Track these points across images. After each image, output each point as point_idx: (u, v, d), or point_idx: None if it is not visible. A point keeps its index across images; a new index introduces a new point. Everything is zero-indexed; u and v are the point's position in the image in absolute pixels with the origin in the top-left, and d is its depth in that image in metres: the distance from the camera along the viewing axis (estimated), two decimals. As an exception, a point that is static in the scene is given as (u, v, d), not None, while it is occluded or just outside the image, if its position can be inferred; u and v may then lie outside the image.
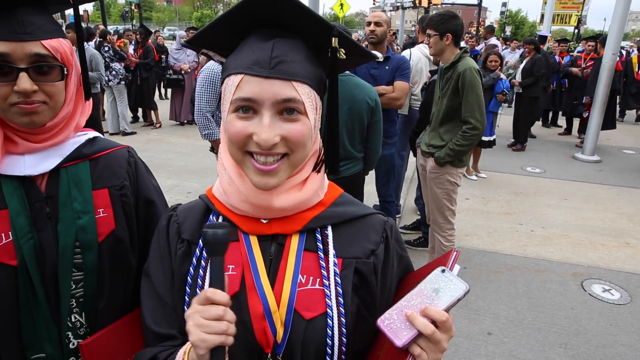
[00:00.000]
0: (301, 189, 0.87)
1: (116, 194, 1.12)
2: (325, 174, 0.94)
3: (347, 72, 2.83)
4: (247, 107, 0.78)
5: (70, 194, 1.06)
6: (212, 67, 3.28)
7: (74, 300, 1.07)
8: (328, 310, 0.83)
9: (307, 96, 0.80)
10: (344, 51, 0.83)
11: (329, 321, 0.82)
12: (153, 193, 1.24)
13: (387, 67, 3.69)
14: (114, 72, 7.85)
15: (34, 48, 0.94)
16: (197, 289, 0.85)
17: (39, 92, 0.95)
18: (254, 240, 0.87)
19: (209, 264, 0.81)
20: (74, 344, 1.08)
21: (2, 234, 1.00)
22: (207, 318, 0.71)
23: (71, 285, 1.05)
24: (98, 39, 8.03)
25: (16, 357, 1.05)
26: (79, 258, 1.06)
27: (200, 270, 0.86)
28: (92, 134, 1.14)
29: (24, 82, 0.92)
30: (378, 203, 4.21)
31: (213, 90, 3.28)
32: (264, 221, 0.87)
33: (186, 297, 0.87)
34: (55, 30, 0.99)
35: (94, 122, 6.48)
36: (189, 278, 0.87)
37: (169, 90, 9.63)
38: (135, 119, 9.45)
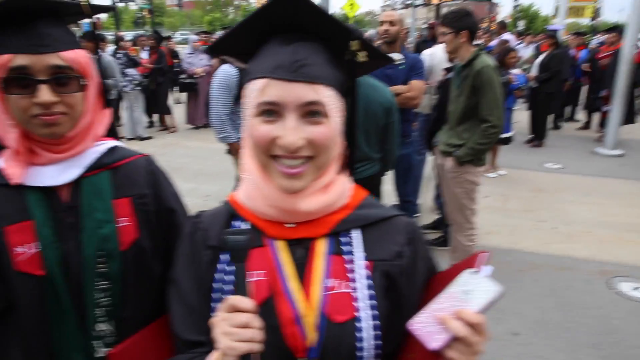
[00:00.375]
0: (326, 192, 0.87)
1: (137, 202, 1.12)
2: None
3: None
4: (272, 111, 0.79)
5: (91, 203, 1.06)
6: (227, 70, 3.28)
7: (100, 309, 1.07)
8: (359, 313, 0.83)
9: (330, 99, 0.81)
10: (365, 54, 0.84)
11: (360, 324, 0.82)
12: (173, 201, 1.23)
13: (402, 67, 3.65)
14: (129, 78, 7.93)
15: (52, 60, 0.95)
16: (224, 296, 0.84)
17: (59, 103, 0.96)
18: (280, 245, 0.87)
19: (235, 271, 0.81)
20: (102, 352, 1.08)
21: (28, 245, 1.00)
22: (234, 326, 0.71)
23: (97, 294, 1.06)
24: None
25: None
26: (104, 267, 1.06)
27: (226, 277, 0.86)
28: (111, 143, 1.14)
29: (44, 94, 0.93)
30: (396, 203, 4.17)
31: (228, 93, 3.28)
32: (290, 225, 0.87)
33: (213, 304, 0.87)
34: (72, 41, 1.00)
35: (110, 128, 6.53)
36: (214, 285, 0.88)
37: (182, 95, 9.70)
38: (150, 123, 9.52)
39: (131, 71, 7.96)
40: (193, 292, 0.90)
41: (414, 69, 3.60)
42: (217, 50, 0.98)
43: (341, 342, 0.82)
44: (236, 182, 4.95)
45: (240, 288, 0.76)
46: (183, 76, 9.03)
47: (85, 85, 1.01)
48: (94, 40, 1.06)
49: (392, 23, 3.59)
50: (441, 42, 4.58)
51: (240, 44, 0.87)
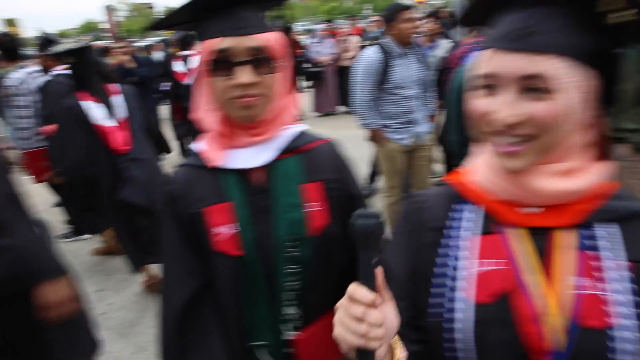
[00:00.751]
0: (573, 177, 0.77)
1: (327, 187, 1.13)
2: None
3: None
4: (490, 85, 0.75)
5: (283, 187, 1.09)
6: (370, 54, 3.26)
7: (290, 293, 1.11)
8: (617, 320, 0.72)
9: (561, 71, 0.71)
10: (632, 12, 0.70)
11: (618, 334, 0.71)
12: (356, 188, 1.23)
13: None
14: None
15: (251, 42, 0.99)
16: (445, 280, 0.81)
17: (256, 84, 1.00)
18: (518, 233, 0.79)
19: (359, 259, 0.68)
20: (288, 335, 1.12)
21: (227, 226, 1.06)
22: (349, 316, 0.66)
23: (287, 278, 1.09)
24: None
25: (237, 342, 1.12)
26: (295, 251, 1.09)
27: (450, 261, 0.81)
28: (299, 127, 1.16)
29: (244, 75, 0.98)
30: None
31: (371, 78, 3.26)
32: (528, 210, 0.78)
33: (433, 289, 0.82)
34: (267, 25, 1.04)
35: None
36: (436, 270, 0.83)
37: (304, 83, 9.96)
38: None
39: None
40: (403, 273, 0.86)
41: None
42: (163, 25, 1.17)
43: (594, 351, 0.72)
44: (371, 169, 4.97)
45: (364, 278, 0.66)
46: (309, 65, 9.28)
47: (280, 68, 1.05)
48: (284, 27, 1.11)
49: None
50: None
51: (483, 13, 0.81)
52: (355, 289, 0.66)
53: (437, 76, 3.87)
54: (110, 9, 9.58)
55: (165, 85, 6.69)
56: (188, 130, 6.23)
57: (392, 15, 3.21)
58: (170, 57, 6.62)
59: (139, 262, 3.41)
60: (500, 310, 0.74)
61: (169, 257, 1.13)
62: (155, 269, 3.73)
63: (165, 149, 3.58)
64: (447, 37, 6.02)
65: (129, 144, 3.03)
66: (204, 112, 1.09)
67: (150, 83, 6.80)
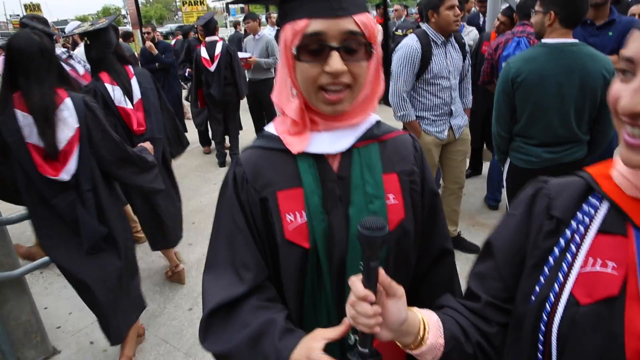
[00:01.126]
0: None
1: (405, 180, 1.03)
2: None
3: (578, 41, 2.42)
4: (627, 69, 0.67)
5: (362, 176, 0.98)
6: (410, 43, 3.10)
7: None
8: None
9: None
10: None
11: None
12: (432, 183, 1.12)
13: (610, 34, 3.10)
14: None
15: (347, 25, 0.87)
16: (558, 272, 0.76)
17: (346, 73, 0.89)
18: None
19: (363, 261, 0.79)
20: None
21: (297, 214, 0.96)
22: (357, 312, 0.78)
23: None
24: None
25: None
26: None
27: (568, 255, 0.75)
28: (376, 117, 1.06)
29: (336, 62, 0.86)
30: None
31: (411, 69, 3.10)
32: None
33: (542, 277, 0.78)
34: (363, 4, 0.91)
35: (270, 105, 6.89)
36: (550, 258, 0.78)
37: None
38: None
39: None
40: (505, 255, 0.86)
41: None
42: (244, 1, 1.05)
43: None
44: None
45: (367, 278, 0.78)
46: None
47: (372, 54, 0.92)
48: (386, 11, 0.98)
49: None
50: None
51: None
52: (353, 283, 0.79)
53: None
54: (131, -5, 9.56)
55: (188, 71, 6.62)
56: (209, 118, 6.16)
57: (435, 3, 3.02)
58: (194, 43, 6.53)
59: (158, 243, 3.41)
60: (605, 318, 0.68)
61: (224, 243, 1.01)
62: (176, 258, 3.65)
63: (181, 142, 3.56)
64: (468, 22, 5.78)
65: (143, 124, 3.08)
66: (285, 98, 0.99)
67: (172, 70, 6.73)
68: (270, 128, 1.06)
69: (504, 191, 3.03)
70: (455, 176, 3.53)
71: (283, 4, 0.93)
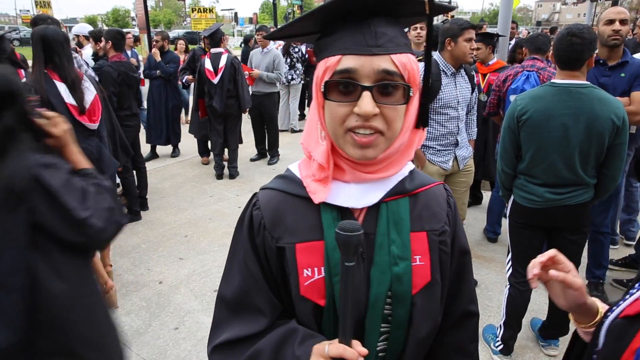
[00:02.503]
0: None
1: (435, 240, 0.94)
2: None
3: (589, 82, 2.37)
4: None
5: (388, 234, 0.90)
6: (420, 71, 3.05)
7: (377, 355, 0.94)
8: None
9: None
10: None
11: None
12: (464, 241, 1.04)
13: (622, 75, 3.06)
14: (297, 72, 8.20)
15: (382, 63, 0.79)
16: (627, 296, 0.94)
17: (379, 116, 0.80)
18: None
19: (340, 262, 0.78)
20: None
21: (316, 269, 0.88)
22: None
23: (376, 338, 0.91)
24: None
25: None
26: (388, 309, 0.90)
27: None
28: (410, 165, 0.98)
29: (367, 103, 0.78)
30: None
31: None
32: None
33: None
34: (405, 44, 0.83)
35: (272, 119, 6.84)
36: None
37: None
38: (302, 116, 9.85)
39: (299, 65, 8.21)
40: None
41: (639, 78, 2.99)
42: (282, 36, 0.96)
43: None
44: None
45: (345, 293, 0.77)
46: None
47: (410, 97, 0.83)
48: (429, 42, 0.89)
49: (624, 22, 3.00)
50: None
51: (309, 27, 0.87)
52: (340, 350, 0.79)
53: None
54: (142, -1, 9.55)
55: (186, 78, 6.57)
56: (209, 129, 6.09)
57: (455, 32, 2.98)
58: (199, 53, 6.49)
59: None
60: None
61: (238, 286, 0.95)
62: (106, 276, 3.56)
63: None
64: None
65: None
66: (313, 141, 0.92)
67: (173, 80, 6.67)
68: (294, 168, 0.99)
69: (505, 224, 2.96)
70: (458, 207, 3.46)
71: (319, 40, 0.87)
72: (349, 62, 0.79)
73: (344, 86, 0.80)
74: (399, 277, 0.89)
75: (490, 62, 4.42)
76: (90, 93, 3.08)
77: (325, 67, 0.82)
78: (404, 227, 0.91)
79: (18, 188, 1.19)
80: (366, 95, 0.78)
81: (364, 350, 0.79)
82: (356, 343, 0.80)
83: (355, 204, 0.90)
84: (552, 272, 0.96)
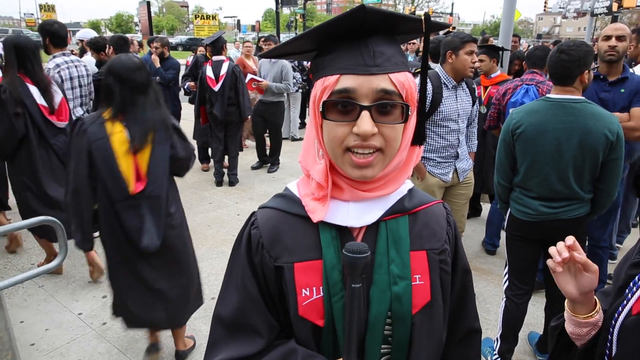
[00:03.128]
0: None
1: (435, 259, 0.94)
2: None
3: (583, 98, 2.38)
4: None
5: (388, 253, 0.90)
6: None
7: None
8: None
9: None
10: None
11: None
12: (464, 260, 1.04)
13: (622, 90, 3.08)
14: (294, 80, 8.24)
15: (381, 83, 0.79)
16: (630, 293, 1.03)
17: (377, 135, 0.80)
18: None
19: (347, 283, 0.81)
20: None
21: (314, 288, 0.88)
22: None
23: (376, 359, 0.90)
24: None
25: None
26: (388, 330, 0.90)
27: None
28: (409, 183, 0.98)
29: (366, 123, 0.78)
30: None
31: None
32: None
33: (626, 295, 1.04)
34: (402, 62, 0.83)
35: (277, 128, 6.86)
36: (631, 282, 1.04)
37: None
38: (302, 124, 9.87)
39: (297, 74, 8.25)
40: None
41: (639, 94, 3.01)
42: (278, 55, 0.95)
43: None
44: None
45: (351, 314, 0.78)
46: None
47: (409, 116, 0.84)
48: (425, 59, 0.91)
49: (622, 38, 3.03)
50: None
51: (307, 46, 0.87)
52: None
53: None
54: (145, 4, 9.58)
55: (188, 84, 6.59)
56: (210, 136, 6.11)
57: (456, 45, 3.00)
58: (202, 60, 6.53)
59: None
60: None
61: (235, 306, 0.94)
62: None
63: None
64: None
65: None
66: (311, 159, 0.92)
67: (173, 87, 6.69)
68: (292, 187, 0.98)
69: (504, 236, 2.96)
70: (457, 220, 3.46)
71: (316, 59, 0.87)
72: (347, 81, 0.79)
73: (343, 105, 0.80)
74: (398, 296, 0.88)
75: (493, 75, 4.44)
76: (58, 96, 3.47)
77: (324, 87, 0.82)
78: (404, 246, 0.91)
79: (170, 124, 2.55)
80: (365, 115, 0.78)
81: None
82: None
83: (354, 223, 0.90)
84: (576, 254, 1.02)
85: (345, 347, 0.80)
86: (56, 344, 3.04)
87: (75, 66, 4.23)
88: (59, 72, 4.05)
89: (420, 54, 5.09)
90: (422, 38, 0.90)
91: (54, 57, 4.11)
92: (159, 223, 2.45)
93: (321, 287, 0.88)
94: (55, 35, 4.11)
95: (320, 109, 0.82)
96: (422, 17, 0.81)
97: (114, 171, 2.31)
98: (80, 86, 4.28)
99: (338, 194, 0.90)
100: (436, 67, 3.21)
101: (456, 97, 3.14)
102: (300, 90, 8.46)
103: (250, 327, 0.92)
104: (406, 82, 0.82)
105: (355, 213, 0.90)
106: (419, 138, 0.90)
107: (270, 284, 0.92)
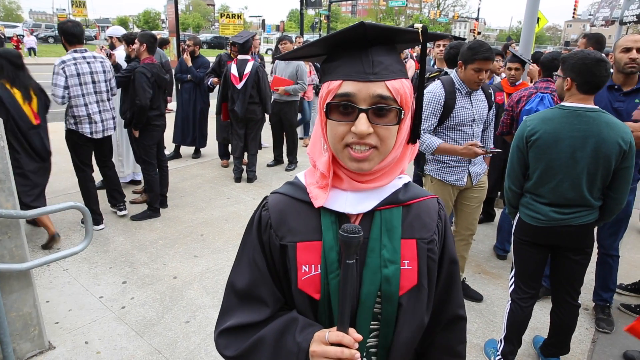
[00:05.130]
0: None
1: (423, 247, 1.04)
2: None
3: (598, 107, 2.43)
4: None
5: (380, 239, 1.01)
6: (434, 90, 3.13)
7: (365, 352, 1.05)
8: None
9: None
10: None
11: None
12: (453, 252, 1.13)
13: (637, 101, 3.10)
14: (311, 80, 8.35)
15: (377, 89, 0.90)
16: None
17: (373, 134, 0.92)
18: None
19: (342, 261, 0.91)
20: None
21: (313, 266, 1.00)
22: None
23: (365, 334, 1.02)
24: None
25: None
26: (378, 308, 1.01)
27: None
28: (405, 178, 1.09)
29: (362, 124, 0.90)
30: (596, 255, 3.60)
31: (433, 113, 3.15)
32: None
33: None
34: (399, 70, 0.95)
35: (292, 127, 6.99)
36: None
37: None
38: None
39: (314, 77, 8.35)
40: None
41: (653, 105, 3.02)
42: (292, 58, 1.10)
43: None
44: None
45: (345, 286, 0.89)
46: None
47: (402, 119, 0.95)
48: (422, 62, 1.03)
49: (641, 50, 3.04)
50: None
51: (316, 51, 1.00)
52: (338, 336, 0.90)
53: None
54: (173, 2, 9.81)
55: (211, 80, 6.78)
56: (230, 133, 6.27)
57: (467, 58, 3.05)
58: (226, 58, 6.70)
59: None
60: None
61: (246, 277, 1.07)
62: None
63: None
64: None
65: None
66: (318, 151, 1.05)
67: (202, 84, 6.90)
68: (300, 177, 1.11)
69: (514, 242, 3.01)
70: (469, 222, 3.52)
71: (324, 63, 0.99)
72: (348, 87, 0.91)
73: (344, 107, 0.92)
74: (388, 278, 0.99)
75: (517, 83, 4.49)
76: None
77: (328, 90, 0.94)
78: (396, 234, 1.01)
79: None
80: (362, 117, 0.90)
81: (359, 337, 0.90)
82: (352, 331, 0.91)
83: (351, 210, 1.00)
84: None
85: (339, 316, 0.90)
86: (78, 324, 3.22)
87: (88, 62, 4.39)
88: (62, 68, 4.26)
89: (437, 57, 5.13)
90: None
91: (68, 53, 4.36)
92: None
93: (319, 265, 0.99)
94: (67, 33, 4.33)
95: (325, 110, 0.95)
96: (419, 30, 0.92)
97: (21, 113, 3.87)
98: (94, 82, 4.43)
99: (338, 183, 1.02)
100: (451, 72, 3.28)
101: (471, 103, 3.19)
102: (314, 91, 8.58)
103: (259, 297, 1.04)
104: (401, 89, 0.93)
105: (353, 201, 1.01)
106: (412, 138, 1.02)
107: (276, 259, 1.05)
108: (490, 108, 3.36)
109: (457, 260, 1.14)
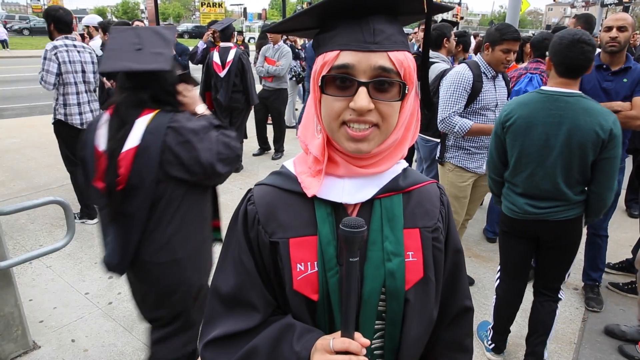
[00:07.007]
0: None
1: (428, 236, 0.95)
2: None
3: (579, 92, 2.28)
4: None
5: (382, 230, 0.91)
6: (462, 71, 3.12)
7: (369, 355, 0.93)
8: None
9: None
10: None
11: None
12: (457, 240, 1.05)
13: (625, 80, 3.09)
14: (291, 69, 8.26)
15: (379, 60, 0.80)
16: None
17: (374, 111, 0.82)
18: None
19: (344, 257, 0.79)
20: None
21: (309, 263, 0.89)
22: None
23: (369, 335, 0.91)
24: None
25: None
26: (382, 306, 0.91)
27: None
28: (403, 163, 0.99)
29: (362, 98, 0.79)
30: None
31: (462, 95, 3.16)
32: None
33: None
34: (402, 42, 0.84)
35: (280, 115, 6.90)
36: None
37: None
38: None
39: (293, 62, 8.25)
40: None
41: (642, 83, 3.01)
42: (282, 30, 0.97)
43: None
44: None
45: (348, 287, 0.78)
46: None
47: (406, 95, 0.85)
48: (427, 38, 0.93)
49: (623, 28, 3.03)
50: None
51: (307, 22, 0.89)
52: (344, 343, 0.79)
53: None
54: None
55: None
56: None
57: (495, 39, 3.03)
58: (209, 46, 6.56)
59: None
60: None
61: (232, 280, 0.95)
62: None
63: None
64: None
65: None
66: (310, 134, 0.93)
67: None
68: (289, 165, 1.00)
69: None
70: (470, 209, 3.50)
71: (318, 35, 0.89)
72: (346, 57, 0.81)
73: (341, 81, 0.81)
74: (392, 272, 0.90)
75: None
76: None
77: (324, 62, 0.83)
78: (398, 224, 0.92)
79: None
80: (362, 91, 0.80)
81: (366, 341, 0.80)
82: (358, 335, 0.81)
83: (348, 200, 0.90)
84: None
85: (342, 320, 0.80)
86: (64, 322, 3.13)
87: (78, 51, 4.26)
88: (55, 54, 4.09)
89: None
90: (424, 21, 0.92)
91: (59, 39, 4.15)
92: None
93: (316, 262, 0.89)
94: (59, 20, 4.16)
95: (319, 84, 0.84)
96: None
97: None
98: (83, 72, 4.31)
99: (334, 169, 0.91)
100: (476, 57, 3.26)
101: (495, 87, 3.17)
102: (295, 79, 8.47)
103: (247, 302, 0.93)
104: (405, 61, 0.83)
105: (350, 189, 0.91)
106: (425, 104, 0.93)
107: (266, 258, 0.93)
108: (509, 94, 3.34)
109: (462, 248, 1.05)
